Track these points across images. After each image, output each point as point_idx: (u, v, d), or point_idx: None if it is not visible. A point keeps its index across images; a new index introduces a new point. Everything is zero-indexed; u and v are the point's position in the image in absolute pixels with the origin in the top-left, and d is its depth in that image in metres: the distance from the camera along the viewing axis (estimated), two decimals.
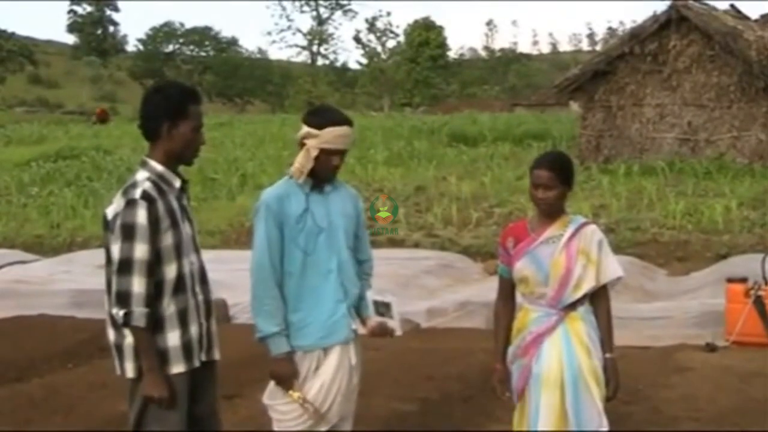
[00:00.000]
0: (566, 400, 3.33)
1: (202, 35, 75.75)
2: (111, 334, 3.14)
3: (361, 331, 3.59)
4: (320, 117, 3.47)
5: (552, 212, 3.46)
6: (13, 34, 63.64)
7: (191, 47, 75.67)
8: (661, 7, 27.63)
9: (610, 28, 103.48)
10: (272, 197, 3.44)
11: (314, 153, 3.41)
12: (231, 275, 8.20)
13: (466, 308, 8.06)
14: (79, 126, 34.00)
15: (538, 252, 3.43)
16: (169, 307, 3.10)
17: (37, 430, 4.98)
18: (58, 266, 10.76)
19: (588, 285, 3.41)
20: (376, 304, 3.54)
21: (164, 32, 74.83)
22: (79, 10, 69.66)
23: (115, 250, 3.03)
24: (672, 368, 6.12)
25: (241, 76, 72.02)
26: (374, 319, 3.54)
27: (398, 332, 3.54)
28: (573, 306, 3.42)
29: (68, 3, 69.47)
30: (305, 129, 3.45)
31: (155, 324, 3.06)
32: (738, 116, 15.68)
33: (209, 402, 3.30)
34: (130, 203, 3.03)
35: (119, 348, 3.11)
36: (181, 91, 3.20)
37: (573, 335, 3.38)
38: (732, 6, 17.84)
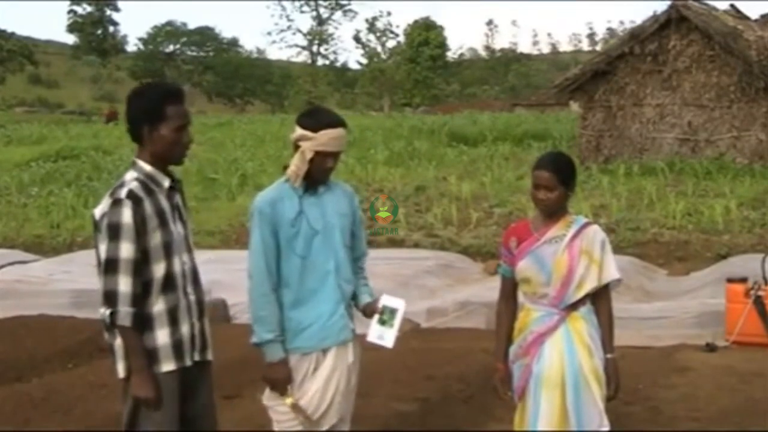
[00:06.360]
0: (567, 400, 3.33)
1: (203, 35, 75.72)
2: (105, 335, 3.15)
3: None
4: (315, 119, 3.46)
5: (553, 212, 3.46)
6: (13, 34, 63.48)
7: (192, 47, 75.65)
8: (661, 7, 27.69)
9: (610, 28, 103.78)
10: (265, 202, 3.44)
11: (309, 155, 3.40)
12: (231, 275, 8.20)
13: (466, 308, 8.05)
14: (78, 126, 33.99)
15: (540, 252, 3.43)
16: (158, 306, 3.10)
17: (37, 430, 4.98)
18: (58, 266, 10.75)
19: (590, 285, 3.41)
20: (384, 308, 3.52)
21: (166, 32, 74.80)
22: (79, 10, 69.50)
23: (102, 249, 3.04)
24: (672, 368, 6.12)
25: (242, 77, 71.97)
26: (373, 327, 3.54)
27: (389, 345, 3.50)
28: (575, 306, 3.42)
29: (68, 3, 69.34)
30: (300, 131, 3.44)
31: (144, 322, 3.06)
32: (738, 116, 15.68)
33: (203, 402, 3.29)
34: (116, 203, 3.04)
35: (111, 348, 3.12)
36: (159, 93, 3.18)
37: (574, 335, 3.38)
38: (732, 6, 17.84)
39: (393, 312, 3.51)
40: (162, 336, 3.10)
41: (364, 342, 3.58)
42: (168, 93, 3.20)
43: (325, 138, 3.40)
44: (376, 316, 3.53)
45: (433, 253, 10.92)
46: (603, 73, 16.76)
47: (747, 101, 15.56)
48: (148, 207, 3.08)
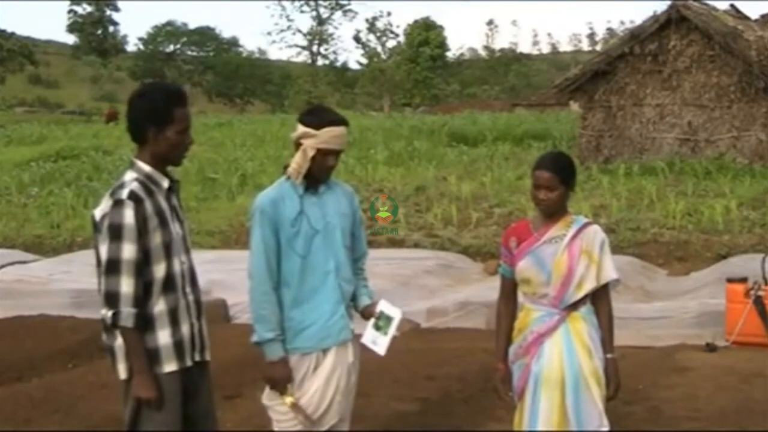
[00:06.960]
0: (567, 400, 3.33)
1: (203, 35, 75.79)
2: (104, 336, 3.15)
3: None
4: (318, 117, 3.47)
5: (553, 212, 3.47)
6: (13, 34, 63.56)
7: (192, 47, 75.74)
8: (661, 7, 27.64)
9: (610, 28, 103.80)
10: (267, 201, 3.44)
11: (311, 153, 3.41)
12: (231, 275, 8.20)
13: (466, 308, 8.05)
14: (79, 126, 34.00)
15: (540, 251, 3.43)
16: (158, 306, 3.10)
17: (37, 430, 4.99)
18: (58, 266, 10.73)
19: (590, 285, 3.41)
20: (381, 314, 3.52)
21: (166, 32, 74.89)
22: (79, 10, 69.62)
23: (103, 250, 3.03)
24: (672, 368, 6.12)
25: (242, 77, 72.04)
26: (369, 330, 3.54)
27: (381, 353, 3.50)
28: (575, 306, 3.42)
29: (68, 3, 69.47)
30: (302, 129, 3.44)
31: (145, 323, 3.06)
32: (738, 116, 15.68)
33: (203, 402, 3.30)
34: (117, 204, 3.03)
35: (111, 350, 3.12)
36: (166, 95, 3.17)
37: (574, 335, 3.39)
38: (732, 6, 17.84)
39: (389, 320, 3.50)
40: (163, 336, 3.10)
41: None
42: (175, 95, 3.19)
43: (327, 136, 3.41)
44: (372, 320, 3.53)
45: (433, 253, 10.91)
46: (603, 73, 16.74)
47: (747, 101, 15.55)
48: (148, 207, 3.07)
